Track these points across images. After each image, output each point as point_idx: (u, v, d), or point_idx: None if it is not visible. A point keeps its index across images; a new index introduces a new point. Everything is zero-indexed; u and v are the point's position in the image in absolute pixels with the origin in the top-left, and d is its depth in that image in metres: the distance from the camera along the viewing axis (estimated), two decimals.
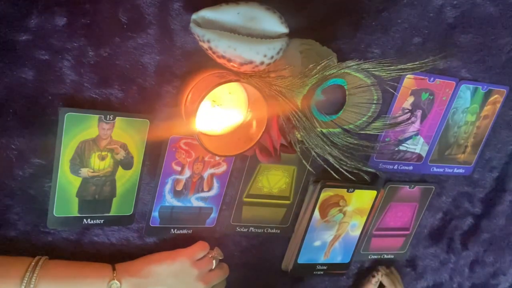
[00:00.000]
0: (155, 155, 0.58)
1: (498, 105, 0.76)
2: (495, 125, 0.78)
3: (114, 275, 0.55)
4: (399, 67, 0.58)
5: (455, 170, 0.79)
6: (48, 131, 0.52)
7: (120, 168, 0.56)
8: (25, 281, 0.49)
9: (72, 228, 0.58)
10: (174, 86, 0.56)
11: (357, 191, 0.70)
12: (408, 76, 0.66)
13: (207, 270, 0.61)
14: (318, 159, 0.60)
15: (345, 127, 0.63)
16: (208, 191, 0.63)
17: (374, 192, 0.72)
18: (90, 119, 0.52)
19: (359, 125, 0.64)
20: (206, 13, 0.48)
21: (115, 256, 0.59)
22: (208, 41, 0.48)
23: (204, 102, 0.49)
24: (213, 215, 0.65)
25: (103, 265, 0.56)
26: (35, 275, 0.50)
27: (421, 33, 0.64)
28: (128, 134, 0.55)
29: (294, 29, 0.50)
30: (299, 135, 0.57)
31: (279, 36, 0.49)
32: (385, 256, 0.81)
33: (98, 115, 0.52)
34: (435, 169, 0.76)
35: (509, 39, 0.71)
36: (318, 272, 0.75)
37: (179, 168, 0.60)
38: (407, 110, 0.69)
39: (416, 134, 0.72)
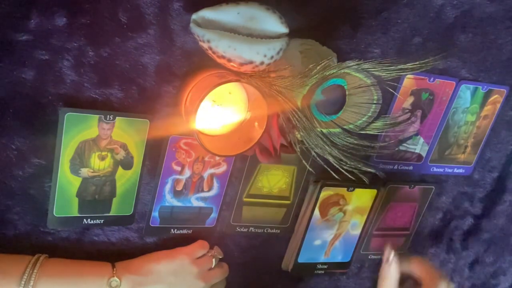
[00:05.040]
0: (155, 155, 0.58)
1: (498, 105, 0.76)
2: (495, 125, 0.78)
3: (114, 272, 0.55)
4: (399, 67, 0.58)
5: (455, 170, 0.79)
6: (48, 131, 0.52)
7: (120, 168, 0.56)
8: (25, 278, 0.50)
9: (72, 228, 0.58)
10: (174, 86, 0.56)
11: (357, 190, 0.70)
12: (408, 76, 0.66)
13: (207, 268, 0.61)
14: (318, 159, 0.60)
15: (345, 127, 0.63)
16: (208, 191, 0.63)
17: (374, 191, 0.72)
18: (90, 119, 0.52)
19: (359, 125, 0.64)
20: (206, 13, 0.48)
21: (115, 256, 0.59)
22: (208, 41, 0.48)
23: (204, 102, 0.49)
24: (213, 215, 0.65)
25: (102, 263, 0.56)
26: (34, 272, 0.50)
27: (421, 33, 0.64)
28: (128, 134, 0.55)
29: (294, 29, 0.50)
30: (299, 135, 0.57)
31: (279, 36, 0.49)
32: None
33: (98, 115, 0.52)
34: (435, 169, 0.76)
35: (509, 39, 0.71)
36: (319, 272, 0.75)
37: (179, 168, 0.60)
38: (407, 110, 0.69)
39: (416, 134, 0.72)
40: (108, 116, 0.53)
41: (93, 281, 0.54)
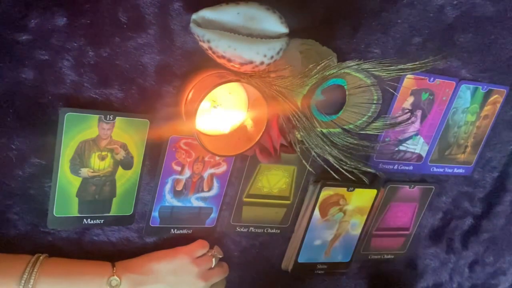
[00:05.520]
0: (155, 155, 0.58)
1: (498, 105, 0.76)
2: (495, 125, 0.78)
3: (114, 271, 0.55)
4: (399, 67, 0.58)
5: (455, 170, 0.79)
6: (48, 131, 0.52)
7: (120, 168, 0.56)
8: (25, 277, 0.50)
9: (72, 228, 0.58)
10: (174, 86, 0.56)
11: (357, 190, 0.70)
12: (408, 76, 0.66)
13: (207, 268, 0.61)
14: (318, 159, 0.60)
15: (345, 127, 0.63)
16: (208, 191, 0.63)
17: (374, 191, 0.72)
18: (90, 119, 0.52)
19: (359, 125, 0.64)
20: (206, 13, 0.48)
21: (115, 256, 0.59)
22: (208, 41, 0.48)
23: (204, 102, 0.49)
24: (213, 215, 0.65)
25: (102, 262, 0.57)
26: (34, 271, 0.50)
27: (421, 33, 0.64)
28: (128, 134, 0.55)
29: (294, 29, 0.50)
30: (299, 135, 0.57)
31: (279, 36, 0.49)
32: (385, 256, 0.81)
33: (98, 115, 0.52)
34: (435, 169, 0.76)
35: (509, 39, 0.71)
36: (319, 272, 0.75)
37: (179, 168, 0.60)
38: (407, 110, 0.69)
39: (416, 134, 0.72)
40: (108, 116, 0.53)
41: (93, 280, 0.54)
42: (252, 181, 0.65)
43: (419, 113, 0.70)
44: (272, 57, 0.49)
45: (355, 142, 0.62)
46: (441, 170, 0.77)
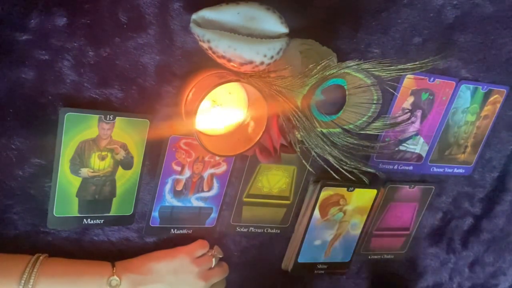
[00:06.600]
0: (155, 155, 0.58)
1: (498, 105, 0.76)
2: (495, 125, 0.78)
3: (114, 271, 0.55)
4: (399, 67, 0.58)
5: (455, 170, 0.79)
6: (48, 131, 0.52)
7: (120, 168, 0.56)
8: (25, 278, 0.50)
9: (72, 228, 0.58)
10: (174, 86, 0.56)
11: (357, 190, 0.70)
12: (408, 76, 0.66)
13: (207, 268, 0.62)
14: (318, 159, 0.60)
15: (345, 127, 0.63)
16: (208, 191, 0.63)
17: (374, 191, 0.72)
18: (90, 119, 0.52)
19: (359, 125, 0.64)
20: (206, 13, 0.48)
21: (115, 256, 0.59)
22: (208, 41, 0.48)
23: (204, 102, 0.49)
24: (213, 215, 0.65)
25: (102, 262, 0.57)
26: (34, 271, 0.50)
27: (421, 33, 0.64)
28: (128, 134, 0.55)
29: (294, 29, 0.50)
30: (299, 135, 0.57)
31: (279, 36, 0.49)
32: (385, 256, 0.81)
33: (98, 115, 0.53)
34: (435, 169, 0.76)
35: (509, 39, 0.71)
36: (319, 272, 0.75)
37: (179, 168, 0.60)
38: (407, 110, 0.69)
39: (416, 134, 0.72)
40: (108, 116, 0.53)
41: (93, 280, 0.54)
42: (252, 181, 0.65)
43: (419, 113, 0.70)
44: (272, 57, 0.49)
45: (355, 142, 0.62)
46: (441, 170, 0.77)
